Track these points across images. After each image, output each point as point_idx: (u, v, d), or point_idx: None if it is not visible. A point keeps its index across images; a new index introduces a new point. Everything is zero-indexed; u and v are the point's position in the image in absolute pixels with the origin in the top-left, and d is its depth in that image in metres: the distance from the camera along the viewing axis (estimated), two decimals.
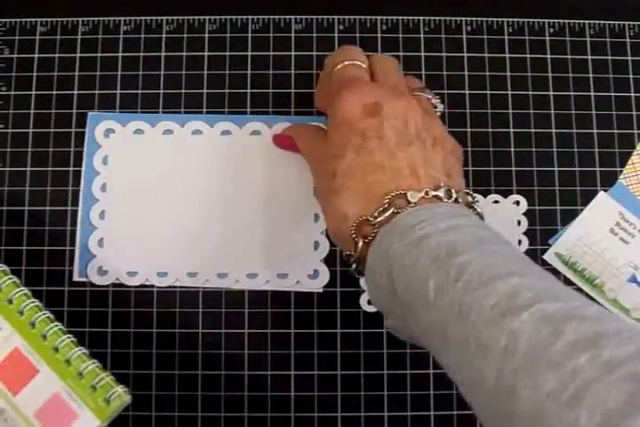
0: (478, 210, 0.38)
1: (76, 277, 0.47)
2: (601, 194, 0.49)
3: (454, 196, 0.36)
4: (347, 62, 0.41)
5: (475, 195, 0.39)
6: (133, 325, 0.46)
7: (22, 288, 0.37)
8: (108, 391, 0.36)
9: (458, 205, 0.36)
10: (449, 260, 0.31)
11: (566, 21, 0.51)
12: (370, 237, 0.35)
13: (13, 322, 0.36)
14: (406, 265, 0.32)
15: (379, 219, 0.35)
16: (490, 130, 0.49)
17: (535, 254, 0.48)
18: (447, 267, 0.31)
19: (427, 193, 0.36)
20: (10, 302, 0.36)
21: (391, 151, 0.37)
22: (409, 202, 0.35)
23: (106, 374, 0.36)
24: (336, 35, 0.50)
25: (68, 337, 0.37)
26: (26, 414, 0.35)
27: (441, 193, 0.36)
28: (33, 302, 0.37)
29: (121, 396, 0.35)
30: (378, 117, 0.37)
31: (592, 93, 0.50)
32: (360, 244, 0.35)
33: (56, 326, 0.36)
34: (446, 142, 0.40)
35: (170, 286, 0.47)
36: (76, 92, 0.49)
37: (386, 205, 0.35)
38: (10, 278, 0.37)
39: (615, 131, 0.49)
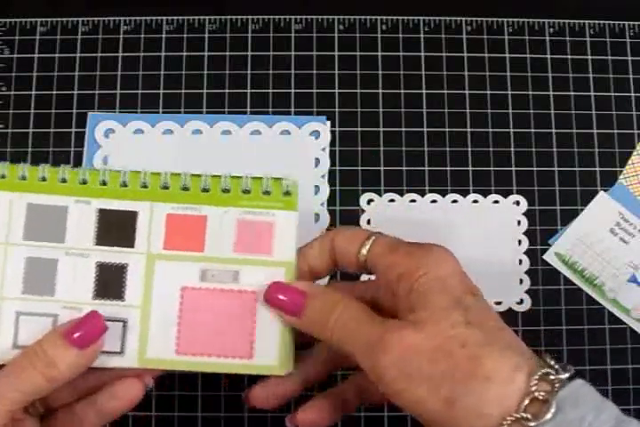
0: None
1: None
2: (601, 194, 0.49)
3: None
4: (368, 242, 0.33)
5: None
6: None
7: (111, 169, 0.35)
8: (280, 186, 0.35)
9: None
10: None
11: (566, 21, 0.51)
12: None
13: (141, 196, 0.34)
14: None
15: (547, 417, 0.27)
16: (490, 130, 0.49)
17: (535, 254, 0.48)
18: None
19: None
20: (124, 184, 0.34)
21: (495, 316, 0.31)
22: (553, 385, 0.28)
23: (265, 176, 0.35)
24: (336, 35, 0.50)
25: (200, 175, 0.35)
26: (225, 257, 0.34)
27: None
28: (144, 173, 0.35)
29: (293, 181, 0.35)
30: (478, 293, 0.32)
31: (592, 93, 0.50)
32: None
33: (185, 175, 0.34)
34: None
35: None
36: (76, 92, 0.49)
37: (537, 394, 0.28)
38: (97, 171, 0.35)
39: (615, 131, 0.49)
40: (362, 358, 0.30)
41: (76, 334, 0.31)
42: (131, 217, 0.34)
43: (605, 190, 0.49)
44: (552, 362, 0.29)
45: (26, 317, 0.33)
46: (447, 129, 0.49)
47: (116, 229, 0.34)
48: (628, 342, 0.47)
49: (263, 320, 0.34)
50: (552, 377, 0.28)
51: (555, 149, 0.49)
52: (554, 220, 0.48)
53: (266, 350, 0.33)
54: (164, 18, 0.50)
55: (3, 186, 0.34)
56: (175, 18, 0.50)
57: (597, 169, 0.49)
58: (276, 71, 0.50)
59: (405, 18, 0.51)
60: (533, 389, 0.28)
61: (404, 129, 0.49)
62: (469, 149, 0.49)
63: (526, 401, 0.28)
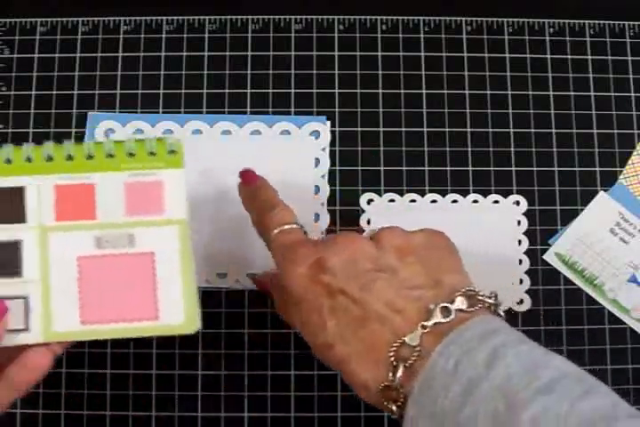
0: (489, 300, 0.33)
1: None
2: (601, 194, 0.49)
3: (454, 308, 0.32)
4: (276, 230, 0.37)
5: (479, 290, 0.34)
6: None
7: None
8: (164, 146, 0.34)
9: (469, 318, 0.31)
10: (512, 416, 0.27)
11: (566, 21, 0.51)
12: (401, 401, 0.31)
13: (26, 171, 0.34)
14: (462, 423, 0.28)
15: (396, 379, 0.31)
16: (490, 130, 0.49)
17: (535, 254, 0.48)
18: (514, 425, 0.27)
19: (423, 327, 0.31)
20: (8, 160, 0.34)
21: (360, 298, 0.33)
22: (413, 347, 0.31)
23: (147, 138, 0.35)
24: (336, 35, 0.50)
25: (82, 143, 0.35)
26: (118, 222, 0.34)
27: (437, 318, 0.31)
28: (26, 147, 0.34)
29: (177, 140, 0.35)
30: (328, 272, 0.33)
31: (592, 93, 0.50)
32: (394, 408, 0.32)
33: (68, 144, 0.34)
34: (413, 244, 0.35)
35: None
36: (76, 92, 0.49)
37: (394, 363, 0.31)
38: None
39: (615, 131, 0.49)
40: None
41: None
42: (18, 193, 0.34)
43: (605, 190, 0.49)
44: (399, 371, 0.31)
45: None
46: (447, 129, 0.49)
47: (4, 206, 0.34)
48: (628, 342, 0.47)
49: (164, 281, 0.34)
50: (393, 392, 0.31)
51: (555, 149, 0.49)
52: (554, 220, 0.48)
53: (171, 310, 0.33)
54: (164, 18, 0.50)
55: None
56: (175, 18, 0.50)
57: (597, 169, 0.49)
58: (276, 71, 0.50)
59: (405, 18, 0.51)
60: (383, 400, 0.31)
61: (403, 129, 0.49)
62: (469, 149, 0.49)
63: (394, 408, 0.31)
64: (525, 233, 0.48)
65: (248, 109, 0.49)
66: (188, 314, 0.33)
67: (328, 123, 0.49)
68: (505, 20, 0.51)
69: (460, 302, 0.32)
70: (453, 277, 0.34)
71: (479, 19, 0.51)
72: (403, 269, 0.34)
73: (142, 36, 0.50)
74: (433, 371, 0.30)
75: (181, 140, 0.34)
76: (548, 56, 0.50)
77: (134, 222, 0.34)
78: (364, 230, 0.47)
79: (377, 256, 0.34)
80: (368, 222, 0.48)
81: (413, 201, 0.48)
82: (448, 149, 0.49)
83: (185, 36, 0.50)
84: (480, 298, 0.33)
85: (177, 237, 0.34)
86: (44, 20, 0.50)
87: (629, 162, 0.49)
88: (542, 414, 0.27)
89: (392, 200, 0.48)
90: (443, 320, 0.31)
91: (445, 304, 0.32)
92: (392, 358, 0.31)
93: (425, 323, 0.31)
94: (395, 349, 0.31)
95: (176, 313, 0.33)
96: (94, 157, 0.34)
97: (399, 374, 0.31)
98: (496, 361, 0.29)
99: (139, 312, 0.33)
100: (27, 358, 0.32)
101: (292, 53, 0.50)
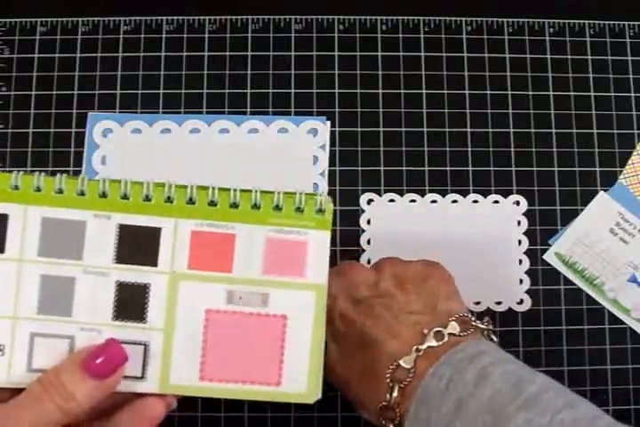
0: (481, 326, 0.35)
1: None
2: (601, 194, 0.49)
3: (446, 333, 0.33)
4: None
5: (473, 318, 0.35)
6: None
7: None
8: (313, 203, 0.32)
9: (461, 342, 0.33)
10: None
11: (566, 21, 0.51)
12: (398, 420, 0.33)
13: (165, 212, 0.32)
14: None
15: (393, 399, 0.32)
16: (490, 130, 0.49)
17: (535, 254, 0.48)
18: None
19: (418, 350, 0.33)
20: (147, 198, 0.32)
21: (359, 322, 0.35)
22: (408, 369, 0.32)
23: (297, 192, 0.33)
24: (336, 35, 0.50)
25: (229, 188, 0.33)
26: (254, 279, 0.32)
27: (431, 342, 0.33)
28: (168, 185, 0.32)
29: (327, 198, 0.33)
30: (330, 297, 0.34)
31: (592, 93, 0.50)
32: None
33: (213, 188, 0.32)
34: (411, 273, 0.37)
35: None
36: (76, 92, 0.49)
37: (390, 384, 0.33)
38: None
39: (615, 131, 0.49)
40: None
41: (95, 365, 0.29)
42: (153, 234, 0.32)
43: (605, 190, 0.49)
44: (395, 392, 0.32)
45: (41, 338, 0.31)
46: (447, 129, 0.49)
47: (137, 246, 0.32)
48: (628, 342, 0.47)
49: (293, 346, 0.32)
50: (391, 412, 0.32)
51: (555, 149, 0.49)
52: (554, 220, 0.48)
53: (295, 377, 0.32)
54: (164, 18, 0.50)
55: (16, 198, 0.32)
56: (175, 18, 0.50)
57: (597, 169, 0.49)
58: (276, 71, 0.50)
59: (405, 18, 0.51)
60: (381, 419, 0.33)
61: (403, 129, 0.49)
62: (469, 149, 0.49)
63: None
64: (525, 233, 0.48)
65: (248, 109, 0.49)
66: (310, 383, 0.32)
67: (328, 122, 0.49)
68: (505, 20, 0.51)
69: (453, 327, 0.34)
70: (448, 303, 0.36)
71: (479, 19, 0.51)
72: (401, 295, 0.35)
73: (142, 36, 0.50)
74: (426, 391, 0.31)
75: (330, 199, 0.33)
76: (548, 56, 0.50)
77: (270, 282, 0.32)
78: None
79: (377, 284, 0.36)
80: (368, 222, 0.48)
81: (413, 201, 0.48)
82: (448, 149, 0.49)
83: (185, 36, 0.50)
84: (473, 323, 0.35)
85: (313, 303, 0.32)
86: (44, 20, 0.50)
87: (629, 162, 0.49)
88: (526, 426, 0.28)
89: (392, 200, 0.48)
90: (435, 344, 0.33)
91: (439, 329, 0.33)
92: (388, 380, 0.32)
93: (419, 346, 0.33)
94: (391, 371, 0.33)
95: (299, 381, 0.32)
96: (239, 205, 0.32)
97: (395, 394, 0.32)
98: (484, 380, 0.30)
99: (261, 376, 0.32)
100: (141, 407, 0.31)
101: (292, 53, 0.50)
